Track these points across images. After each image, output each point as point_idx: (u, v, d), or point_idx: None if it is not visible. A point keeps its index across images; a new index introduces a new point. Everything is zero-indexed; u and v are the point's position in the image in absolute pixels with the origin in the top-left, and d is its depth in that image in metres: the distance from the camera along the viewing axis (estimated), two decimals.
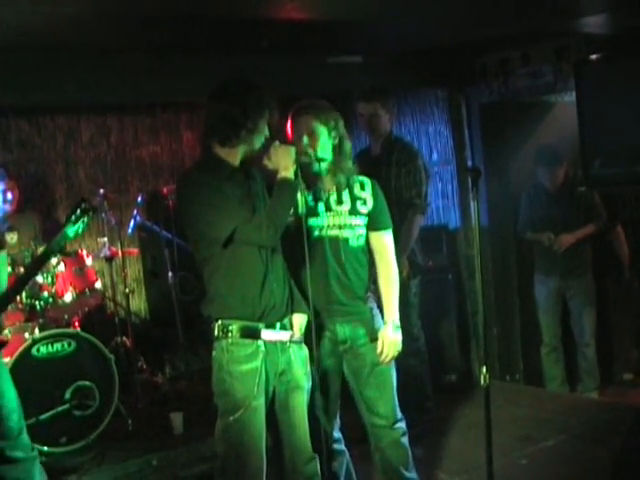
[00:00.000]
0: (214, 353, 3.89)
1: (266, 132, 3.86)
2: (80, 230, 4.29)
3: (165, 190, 6.83)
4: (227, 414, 3.85)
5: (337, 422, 4.44)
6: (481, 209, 7.33)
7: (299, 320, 4.02)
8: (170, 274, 6.68)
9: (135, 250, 7.08)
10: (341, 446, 4.45)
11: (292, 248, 4.10)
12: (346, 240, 4.22)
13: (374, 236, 4.32)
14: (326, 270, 4.20)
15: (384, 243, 4.30)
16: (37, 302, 5.81)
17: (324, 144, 4.15)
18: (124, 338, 6.50)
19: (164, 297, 7.01)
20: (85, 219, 4.24)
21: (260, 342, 3.84)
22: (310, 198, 4.21)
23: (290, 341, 3.93)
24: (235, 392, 3.81)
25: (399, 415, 4.37)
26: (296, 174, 3.83)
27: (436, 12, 5.76)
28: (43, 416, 5.43)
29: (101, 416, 5.68)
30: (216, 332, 3.85)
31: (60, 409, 5.55)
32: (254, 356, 3.83)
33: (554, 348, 7.10)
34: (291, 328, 3.97)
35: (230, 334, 3.81)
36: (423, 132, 7.49)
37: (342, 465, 4.44)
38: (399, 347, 4.26)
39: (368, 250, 4.33)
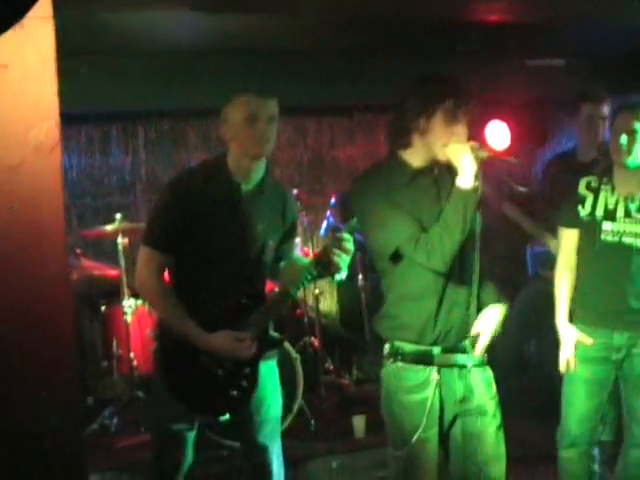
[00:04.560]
0: (383, 373, 3.61)
1: (454, 133, 3.38)
2: None
3: None
4: (396, 446, 3.57)
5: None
6: None
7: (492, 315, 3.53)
8: (360, 277, 6.65)
9: None
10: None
11: (580, 248, 4.16)
12: (639, 250, 4.10)
13: None
14: (609, 276, 4.12)
15: None
16: None
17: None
18: (312, 338, 6.52)
19: (354, 299, 6.99)
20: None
21: (433, 368, 3.49)
22: (613, 200, 4.11)
23: (472, 365, 3.55)
24: (403, 423, 3.52)
25: None
26: (477, 176, 3.32)
27: None
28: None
29: (284, 415, 5.68)
30: (386, 353, 3.58)
31: None
32: (426, 385, 3.48)
33: None
34: (473, 349, 3.53)
35: (400, 358, 3.51)
36: None
37: None
38: None
39: None
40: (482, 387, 3.56)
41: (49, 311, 1.96)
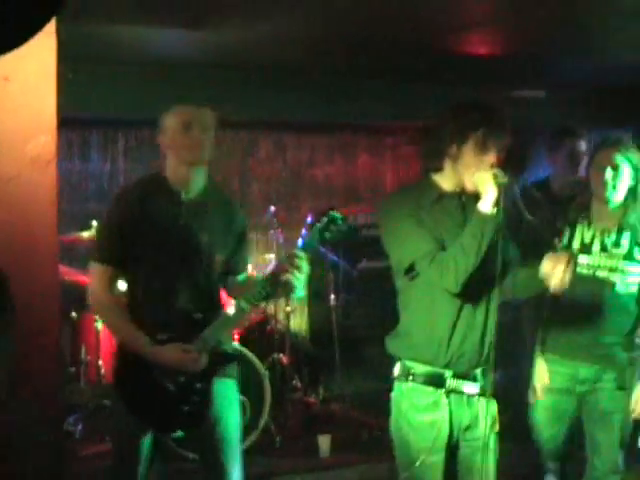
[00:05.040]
0: (393, 395, 3.57)
1: (484, 162, 3.35)
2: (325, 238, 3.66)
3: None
4: (403, 468, 3.52)
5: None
6: None
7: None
8: (332, 296, 6.67)
9: None
10: None
11: None
12: (613, 285, 4.14)
13: None
14: (581, 309, 4.14)
15: None
16: None
17: (624, 181, 4.07)
18: (281, 355, 6.52)
19: (325, 318, 7.00)
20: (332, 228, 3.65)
21: (444, 391, 3.45)
22: (589, 234, 4.16)
23: (479, 394, 3.50)
24: (412, 444, 3.46)
25: (619, 466, 4.29)
26: (497, 202, 3.29)
27: (626, 48, 5.61)
28: None
29: (250, 430, 5.69)
30: (397, 372, 3.52)
31: None
32: (436, 406, 3.44)
33: None
34: (483, 380, 3.52)
35: (412, 377, 3.46)
36: None
37: None
38: None
39: None
40: (488, 420, 3.52)
41: (39, 320, 1.96)
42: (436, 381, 3.44)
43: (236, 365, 4.05)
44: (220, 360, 3.79)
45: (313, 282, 7.47)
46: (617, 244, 4.15)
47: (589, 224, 4.18)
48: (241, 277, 3.99)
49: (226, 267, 3.90)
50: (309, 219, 6.87)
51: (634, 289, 4.18)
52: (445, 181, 3.48)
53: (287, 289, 3.63)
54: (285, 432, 6.04)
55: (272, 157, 7.52)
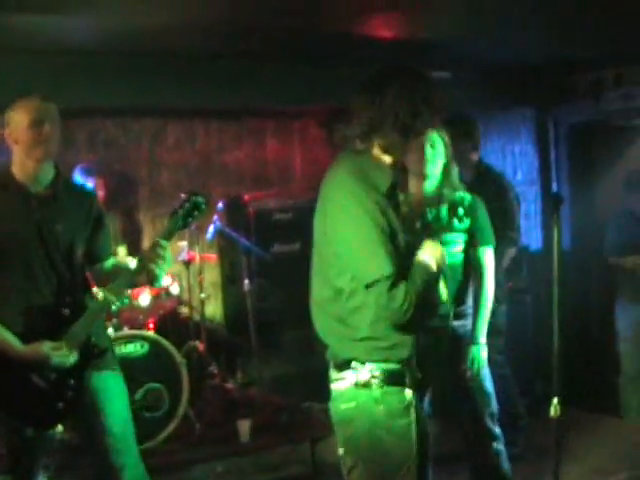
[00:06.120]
0: (356, 403, 3.20)
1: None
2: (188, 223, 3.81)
3: (246, 197, 6.86)
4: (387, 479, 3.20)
5: None
6: (565, 232, 7.20)
7: None
8: (246, 281, 6.66)
9: (213, 256, 7.14)
10: None
11: None
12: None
13: (472, 252, 4.42)
14: None
15: (480, 260, 4.44)
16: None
17: (440, 159, 4.28)
18: (197, 342, 6.51)
19: (239, 304, 7.00)
20: (195, 214, 3.79)
21: (408, 390, 3.19)
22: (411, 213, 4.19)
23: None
24: (398, 451, 3.16)
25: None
26: (393, 186, 3.07)
27: (528, 30, 5.72)
28: None
29: (169, 419, 5.69)
30: (366, 377, 3.16)
31: None
32: (409, 407, 3.18)
33: (633, 378, 6.91)
34: None
35: (381, 381, 3.15)
36: (509, 151, 7.41)
37: None
38: (482, 364, 4.46)
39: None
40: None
41: None
42: (402, 380, 3.18)
43: (114, 355, 4.07)
44: (92, 353, 3.77)
45: (226, 267, 7.52)
46: (437, 218, 4.33)
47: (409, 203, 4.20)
48: (107, 264, 3.99)
49: (88, 256, 3.90)
50: (220, 205, 6.91)
51: (459, 258, 4.38)
52: (387, 160, 3.15)
53: (150, 279, 3.72)
54: (204, 419, 6.05)
55: (181, 144, 7.46)
